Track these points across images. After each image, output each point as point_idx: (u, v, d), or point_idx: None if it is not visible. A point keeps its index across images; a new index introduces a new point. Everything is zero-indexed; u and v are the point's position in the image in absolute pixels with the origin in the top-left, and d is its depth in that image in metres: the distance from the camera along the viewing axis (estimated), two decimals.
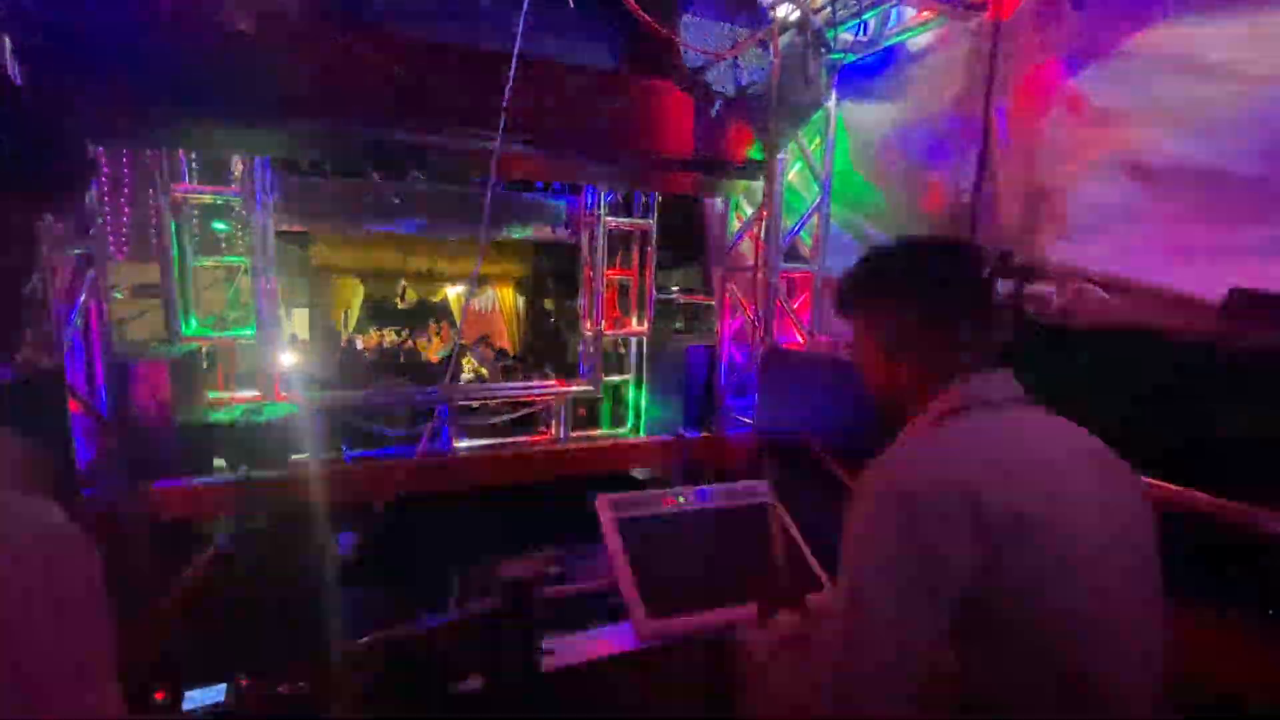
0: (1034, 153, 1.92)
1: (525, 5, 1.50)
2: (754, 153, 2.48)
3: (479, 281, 8.66)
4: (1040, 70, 1.93)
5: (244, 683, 1.31)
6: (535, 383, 4.49)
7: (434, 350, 8.10)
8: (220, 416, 2.76)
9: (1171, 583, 0.88)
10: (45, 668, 0.52)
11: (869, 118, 2.63)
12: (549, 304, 9.14)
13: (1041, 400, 0.94)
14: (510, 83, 1.56)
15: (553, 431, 3.79)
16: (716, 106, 2.03)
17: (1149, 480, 1.56)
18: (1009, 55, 2.04)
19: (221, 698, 1.29)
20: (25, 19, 1.46)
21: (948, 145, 2.28)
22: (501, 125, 1.54)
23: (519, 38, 1.55)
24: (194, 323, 2.98)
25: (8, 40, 1.59)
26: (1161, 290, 1.59)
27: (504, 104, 1.57)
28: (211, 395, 2.95)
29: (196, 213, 3.08)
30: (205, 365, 3.07)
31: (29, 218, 0.60)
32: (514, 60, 1.56)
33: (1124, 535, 0.86)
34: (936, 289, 0.97)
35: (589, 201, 3.56)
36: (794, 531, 1.79)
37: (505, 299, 9.16)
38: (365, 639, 1.83)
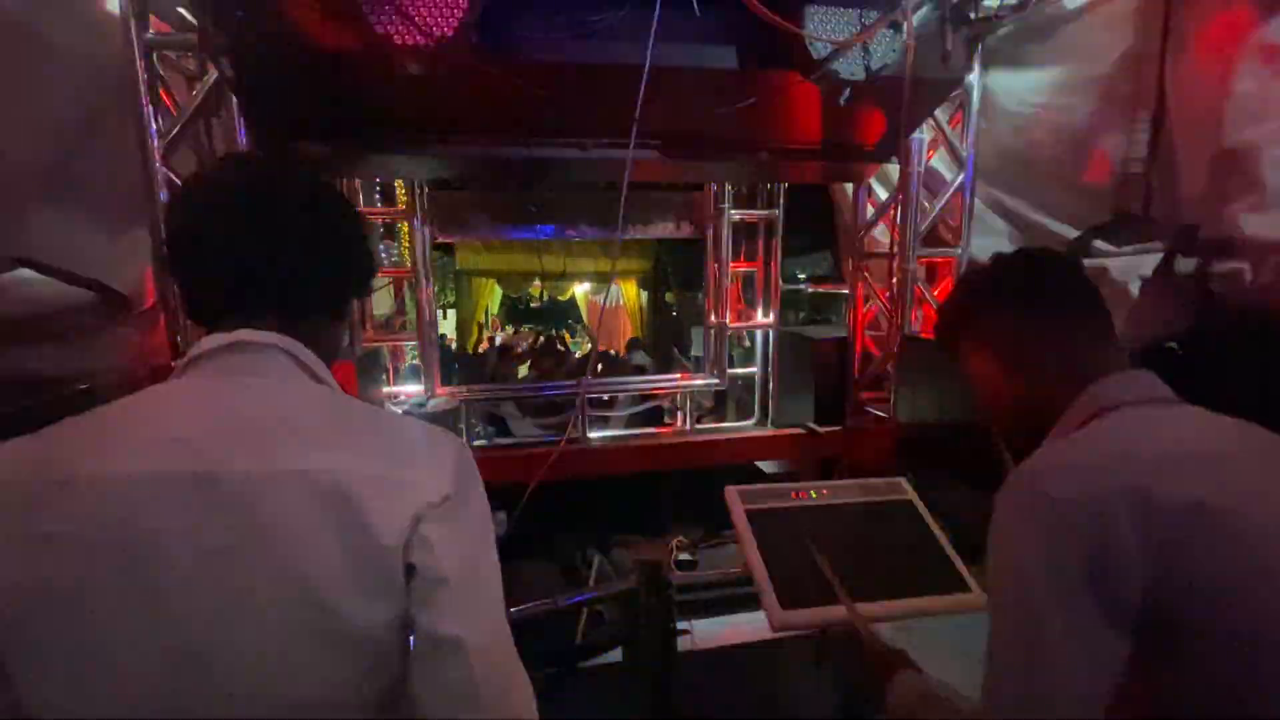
0: (1220, 113, 1.69)
1: (655, 23, 1.57)
2: (887, 136, 2.39)
3: (603, 279, 9.00)
4: (1226, 18, 1.69)
5: None
6: (663, 376, 4.62)
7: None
8: (392, 409, 3.15)
9: None
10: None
11: (1019, 88, 2.42)
12: (670, 298, 9.28)
13: (1222, 394, 0.87)
14: (641, 95, 1.65)
15: (679, 424, 3.90)
16: (845, 94, 1.99)
17: None
18: (1187, 4, 1.80)
19: None
20: (253, 88, 1.79)
21: (1114, 111, 2.05)
22: (633, 136, 1.64)
23: (648, 52, 1.64)
24: (369, 327, 3.42)
25: (235, 104, 1.96)
26: None
27: (634, 116, 1.66)
28: (385, 390, 3.37)
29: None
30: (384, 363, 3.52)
31: None
32: (644, 74, 1.64)
33: None
34: (1043, 296, 0.95)
35: (713, 195, 3.60)
36: (935, 529, 1.74)
37: (629, 294, 9.42)
38: (513, 610, 2.04)
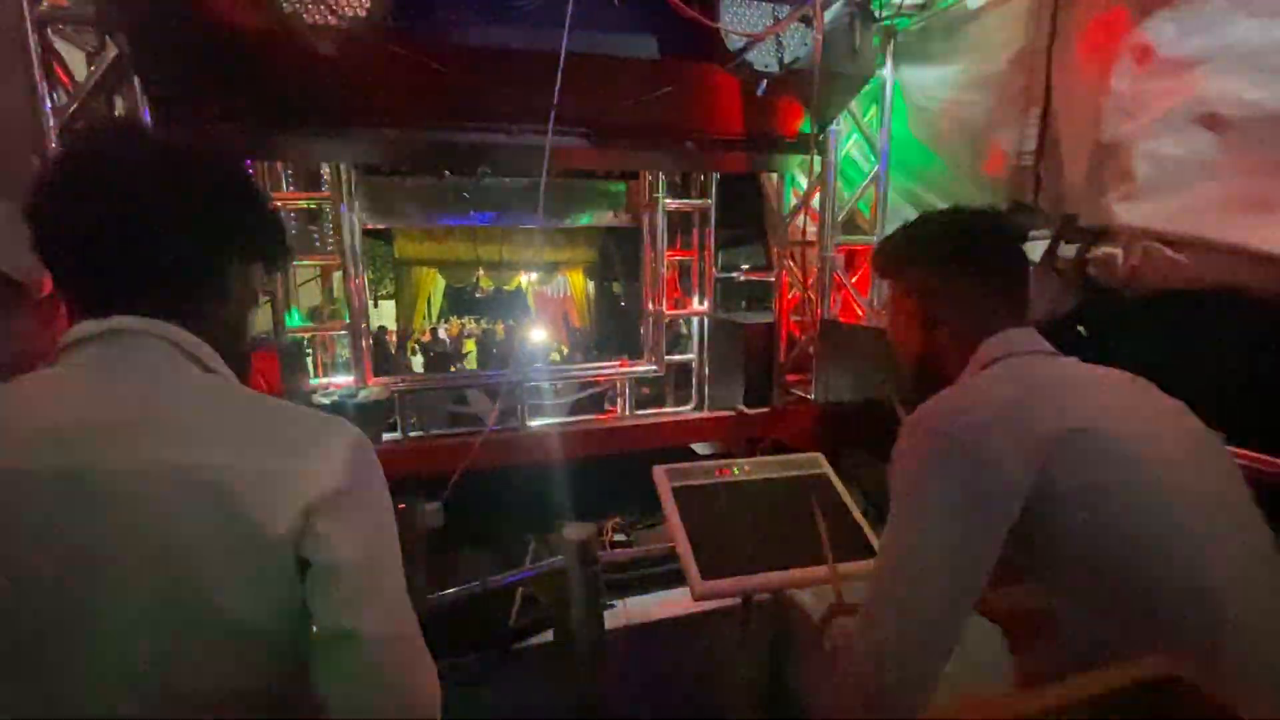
0: (1098, 109, 1.84)
1: (570, 8, 1.60)
2: (805, 127, 2.48)
3: (551, 268, 8.98)
4: (1104, 19, 1.84)
5: None
6: (601, 363, 4.65)
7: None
8: (321, 400, 3.07)
9: None
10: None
11: (927, 83, 2.56)
12: (616, 287, 9.31)
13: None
14: (559, 81, 1.67)
15: (619, 410, 3.94)
16: (762, 86, 2.06)
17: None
18: (1071, 6, 1.95)
19: None
20: (156, 65, 1.72)
21: (1008, 107, 2.20)
22: (551, 121, 1.66)
23: (565, 37, 1.66)
24: (296, 316, 3.32)
25: (137, 83, 1.87)
26: (1236, 248, 1.51)
27: (554, 101, 1.68)
28: (313, 381, 3.28)
29: (294, 216, 3.42)
30: (308, 353, 3.42)
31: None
32: (561, 58, 1.66)
33: (1192, 455, 0.84)
34: (971, 254, 1.02)
35: (647, 185, 3.64)
36: (847, 499, 1.84)
37: (576, 284, 9.40)
38: (442, 594, 2.05)
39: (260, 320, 3.34)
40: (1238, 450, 1.48)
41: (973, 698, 0.47)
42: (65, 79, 1.98)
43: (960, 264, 1.01)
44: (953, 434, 0.83)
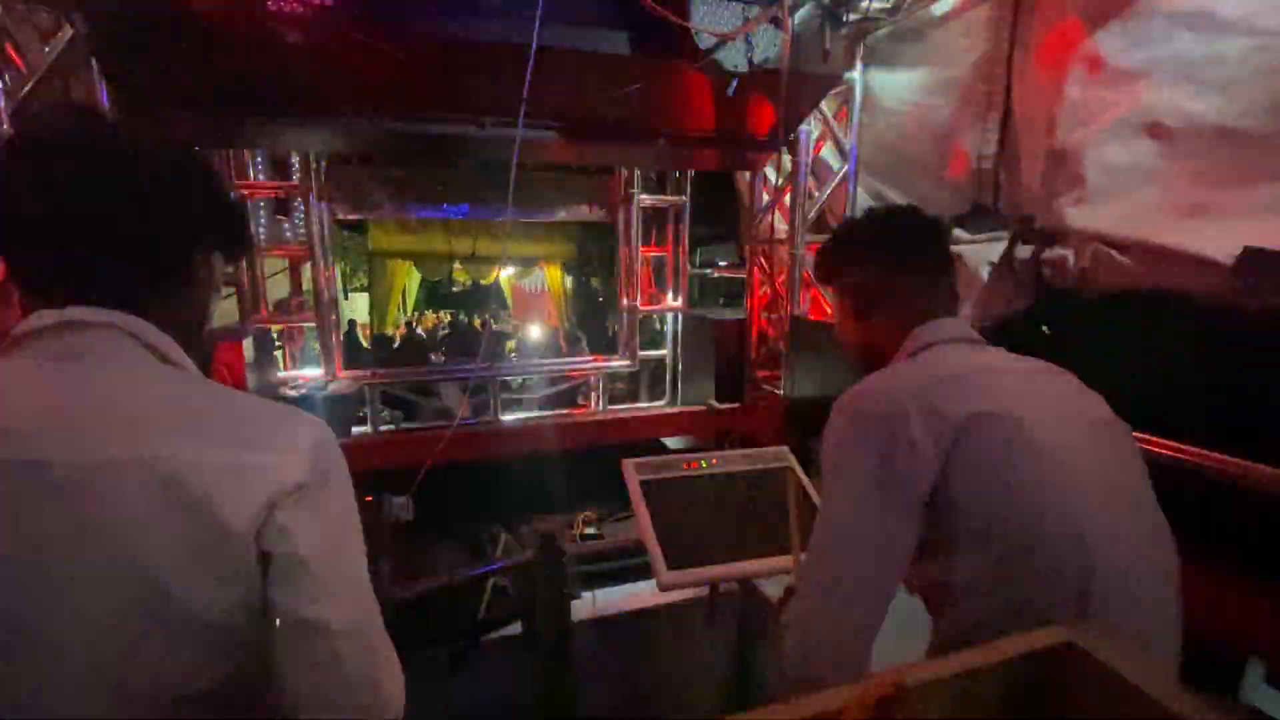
0: (1054, 116, 1.90)
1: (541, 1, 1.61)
2: (776, 127, 2.52)
3: (528, 262, 8.93)
4: (1059, 31, 1.90)
5: None
6: (575, 359, 4.66)
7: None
8: (288, 393, 3.03)
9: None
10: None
11: (895, 87, 2.61)
12: (595, 282, 9.30)
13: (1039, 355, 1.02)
14: (529, 73, 1.68)
15: (592, 404, 3.96)
16: (733, 85, 2.09)
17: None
18: (1030, 15, 2.01)
19: None
20: (113, 47, 1.68)
21: (970, 111, 2.26)
22: (521, 114, 1.66)
23: (536, 29, 1.67)
24: (263, 308, 3.27)
25: (95, 65, 1.83)
26: (1174, 251, 1.58)
27: (524, 94, 1.69)
28: (280, 374, 3.24)
29: (263, 205, 3.36)
30: (277, 345, 3.37)
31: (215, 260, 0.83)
32: (532, 51, 1.67)
33: (1090, 439, 0.89)
34: (896, 252, 1.08)
35: (622, 180, 3.65)
36: (811, 491, 1.88)
37: (553, 279, 9.35)
38: (411, 586, 2.05)
39: (227, 311, 3.28)
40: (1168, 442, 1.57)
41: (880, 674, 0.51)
42: (18, 60, 1.92)
43: (884, 260, 1.08)
44: (873, 415, 0.89)
